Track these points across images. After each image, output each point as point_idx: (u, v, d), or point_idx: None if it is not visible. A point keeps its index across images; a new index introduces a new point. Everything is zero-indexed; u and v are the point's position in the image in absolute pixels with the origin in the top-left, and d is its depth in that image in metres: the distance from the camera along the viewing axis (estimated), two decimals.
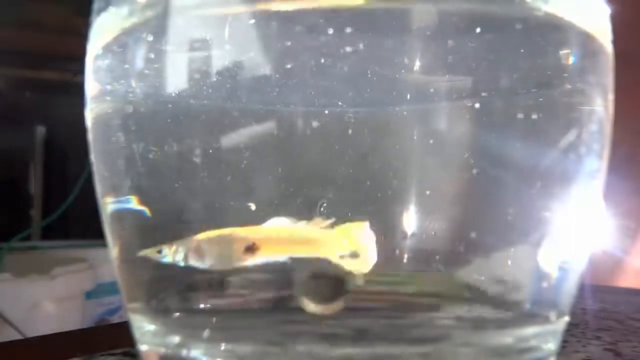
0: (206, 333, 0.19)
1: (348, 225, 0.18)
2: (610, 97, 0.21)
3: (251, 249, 0.18)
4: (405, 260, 0.18)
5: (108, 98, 0.21)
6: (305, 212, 0.18)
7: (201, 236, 0.19)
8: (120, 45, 0.20)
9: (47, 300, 0.86)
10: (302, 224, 0.18)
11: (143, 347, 0.21)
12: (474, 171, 0.19)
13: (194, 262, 0.19)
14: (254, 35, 0.18)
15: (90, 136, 0.22)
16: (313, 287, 0.18)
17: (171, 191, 0.19)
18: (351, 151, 0.18)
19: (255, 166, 0.18)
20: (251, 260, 0.18)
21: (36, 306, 0.84)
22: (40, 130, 1.27)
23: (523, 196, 0.19)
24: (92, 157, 0.22)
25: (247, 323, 0.19)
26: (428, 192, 0.18)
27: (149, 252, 0.19)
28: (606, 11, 0.21)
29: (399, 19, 0.18)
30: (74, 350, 0.26)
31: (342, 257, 0.18)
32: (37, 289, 0.86)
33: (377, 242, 0.18)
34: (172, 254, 0.19)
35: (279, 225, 0.18)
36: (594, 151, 0.20)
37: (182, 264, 0.19)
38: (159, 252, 0.19)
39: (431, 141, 0.18)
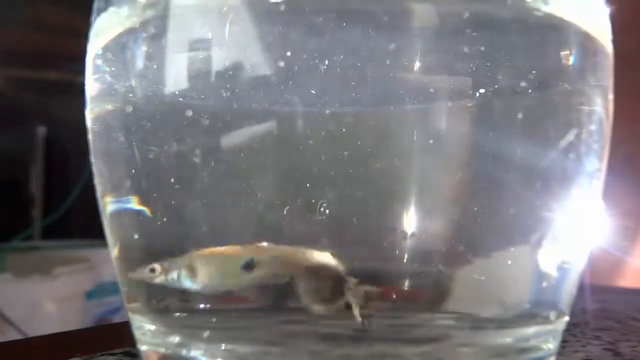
0: (206, 333, 0.19)
1: None
2: (610, 97, 0.21)
3: (249, 266, 0.18)
4: (405, 261, 0.18)
5: (108, 98, 0.21)
6: (305, 212, 0.18)
7: (195, 254, 0.18)
8: (120, 45, 0.20)
9: (48, 300, 0.86)
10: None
11: (143, 347, 0.21)
12: (474, 171, 0.19)
13: (187, 282, 0.18)
14: (254, 34, 0.18)
15: (90, 136, 0.22)
16: (313, 287, 0.18)
17: (171, 191, 0.19)
18: (352, 151, 0.18)
19: (255, 166, 0.18)
20: (249, 280, 0.18)
21: (37, 306, 0.84)
22: (41, 131, 1.27)
23: (523, 196, 0.19)
24: (92, 157, 0.22)
25: (247, 323, 0.19)
26: (428, 192, 0.18)
27: (139, 274, 0.19)
28: (606, 11, 0.21)
29: (399, 18, 0.18)
30: (74, 350, 0.26)
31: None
32: (38, 288, 0.86)
33: (378, 242, 0.18)
34: (164, 274, 0.19)
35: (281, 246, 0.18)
36: (594, 151, 0.20)
37: (175, 284, 0.18)
38: (152, 270, 0.19)
39: (431, 141, 0.18)
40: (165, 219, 0.20)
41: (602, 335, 0.31)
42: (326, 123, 0.18)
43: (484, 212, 0.19)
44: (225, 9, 0.18)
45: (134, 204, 0.20)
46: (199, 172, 0.19)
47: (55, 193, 1.24)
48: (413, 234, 0.18)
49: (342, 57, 0.18)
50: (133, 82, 0.20)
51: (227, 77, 0.18)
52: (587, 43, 0.20)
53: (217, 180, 0.19)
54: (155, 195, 0.20)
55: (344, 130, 0.18)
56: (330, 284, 0.18)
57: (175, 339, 0.20)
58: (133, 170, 0.20)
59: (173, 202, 0.19)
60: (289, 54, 0.18)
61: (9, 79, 1.24)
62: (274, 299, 0.19)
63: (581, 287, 0.22)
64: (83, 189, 1.04)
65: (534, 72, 0.19)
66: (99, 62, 0.21)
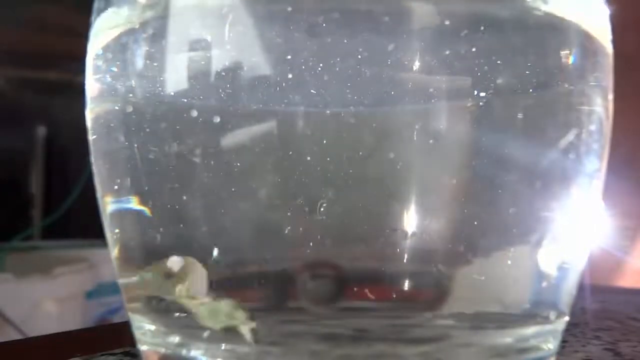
0: (206, 333, 0.19)
1: None
2: (610, 97, 0.21)
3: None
4: (405, 261, 0.18)
5: (108, 98, 0.21)
6: (305, 212, 0.18)
7: None
8: (120, 45, 0.20)
9: (48, 300, 0.86)
10: None
11: (143, 347, 0.21)
12: (474, 171, 0.19)
13: None
14: (254, 35, 0.18)
15: (90, 136, 0.22)
16: (313, 288, 0.18)
17: (172, 191, 0.19)
18: (352, 151, 0.18)
19: (256, 166, 0.18)
20: None
21: (37, 306, 0.85)
22: (41, 130, 1.27)
23: (523, 196, 0.19)
24: (92, 157, 0.22)
25: None
26: (429, 192, 0.18)
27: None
28: (606, 11, 0.21)
29: (399, 18, 0.18)
30: (74, 350, 0.26)
31: None
32: (38, 288, 0.86)
33: (378, 242, 0.18)
34: None
35: None
36: (594, 151, 0.20)
37: None
38: None
39: (432, 141, 0.18)
40: (165, 219, 0.20)
41: (602, 335, 0.31)
42: (326, 123, 0.18)
43: (484, 212, 0.19)
44: (225, 9, 0.18)
45: (134, 204, 0.20)
46: (200, 172, 0.19)
47: (55, 193, 1.24)
48: (413, 234, 0.18)
49: (342, 57, 0.18)
50: (133, 82, 0.20)
51: (228, 78, 0.18)
52: (587, 43, 0.20)
53: (217, 180, 0.19)
54: (155, 195, 0.20)
55: (344, 130, 0.18)
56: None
57: (175, 339, 0.20)
58: (133, 170, 0.20)
59: (173, 202, 0.19)
60: (289, 54, 0.18)
61: (9, 79, 1.24)
62: (274, 299, 0.19)
63: (581, 287, 0.22)
64: (83, 189, 1.04)
65: (533, 71, 0.19)
66: (99, 62, 0.21)
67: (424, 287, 0.19)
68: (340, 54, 0.18)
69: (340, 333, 0.18)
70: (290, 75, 0.18)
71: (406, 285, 0.18)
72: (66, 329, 0.37)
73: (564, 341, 0.23)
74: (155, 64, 0.19)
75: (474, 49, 0.18)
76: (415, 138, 0.18)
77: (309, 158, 0.18)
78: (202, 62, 0.18)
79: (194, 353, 0.19)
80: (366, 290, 0.18)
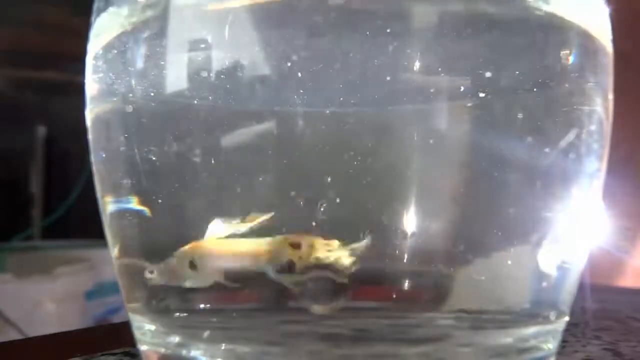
0: (206, 333, 0.19)
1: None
2: (610, 97, 0.21)
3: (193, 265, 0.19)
4: (405, 261, 0.18)
5: (108, 98, 0.21)
6: (304, 212, 0.18)
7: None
8: (120, 45, 0.20)
9: (48, 300, 0.86)
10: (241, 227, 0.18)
11: (143, 347, 0.21)
12: (474, 171, 0.19)
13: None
14: (254, 35, 0.18)
15: (90, 136, 0.22)
16: (312, 287, 0.18)
17: (171, 191, 0.19)
18: (352, 152, 0.18)
19: (255, 166, 0.18)
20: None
21: (37, 306, 0.85)
22: (41, 130, 1.27)
23: (523, 196, 0.19)
24: (92, 157, 0.22)
25: (247, 323, 0.19)
26: (429, 192, 0.18)
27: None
28: (606, 11, 0.21)
29: (399, 18, 0.18)
30: (74, 350, 0.26)
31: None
32: (38, 288, 0.86)
33: (378, 242, 0.18)
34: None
35: (217, 239, 0.18)
36: (594, 151, 0.20)
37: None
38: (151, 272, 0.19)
39: (432, 141, 0.18)
40: (165, 219, 0.20)
41: (602, 335, 0.31)
42: (326, 123, 0.18)
43: (484, 212, 0.19)
44: (225, 9, 0.18)
45: (134, 204, 0.20)
46: (199, 172, 0.19)
47: (55, 193, 1.24)
48: (413, 234, 0.18)
49: (342, 57, 0.18)
50: (133, 82, 0.20)
51: (227, 77, 0.18)
52: (587, 42, 0.20)
53: (217, 180, 0.19)
54: (155, 195, 0.20)
55: (344, 130, 0.18)
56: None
57: (175, 339, 0.20)
58: (133, 170, 0.20)
59: (173, 202, 0.19)
60: (288, 54, 0.18)
61: (9, 79, 1.24)
62: (275, 299, 0.19)
63: (581, 287, 0.22)
64: (83, 189, 1.05)
65: (534, 71, 0.19)
66: (99, 62, 0.21)
67: (424, 287, 0.19)
68: (340, 54, 0.18)
69: (340, 333, 0.18)
70: (289, 75, 0.18)
71: (406, 285, 0.18)
72: (66, 329, 0.37)
73: (564, 341, 0.23)
74: (155, 64, 0.19)
75: (474, 49, 0.18)
76: (415, 138, 0.18)
77: (308, 158, 0.18)
78: (202, 62, 0.18)
79: (194, 353, 0.19)
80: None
